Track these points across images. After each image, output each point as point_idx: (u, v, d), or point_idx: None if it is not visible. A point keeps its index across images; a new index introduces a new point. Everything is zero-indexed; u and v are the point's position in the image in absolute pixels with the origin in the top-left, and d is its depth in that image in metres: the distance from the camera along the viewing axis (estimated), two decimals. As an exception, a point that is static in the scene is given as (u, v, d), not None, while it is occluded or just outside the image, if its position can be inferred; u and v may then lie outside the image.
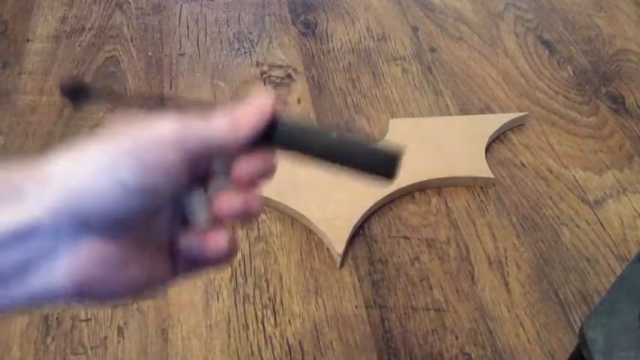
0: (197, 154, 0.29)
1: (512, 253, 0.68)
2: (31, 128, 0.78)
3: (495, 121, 0.80)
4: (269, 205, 0.70)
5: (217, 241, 0.32)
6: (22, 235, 0.26)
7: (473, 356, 0.60)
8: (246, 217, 0.33)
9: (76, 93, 0.40)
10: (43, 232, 0.26)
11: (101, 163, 0.27)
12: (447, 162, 0.75)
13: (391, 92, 0.86)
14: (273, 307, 0.63)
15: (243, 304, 0.63)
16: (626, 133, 0.82)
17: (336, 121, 0.81)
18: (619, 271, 0.67)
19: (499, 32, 0.96)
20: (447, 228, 0.70)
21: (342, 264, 0.66)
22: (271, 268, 0.66)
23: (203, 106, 0.32)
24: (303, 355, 0.59)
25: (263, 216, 0.69)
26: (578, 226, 0.71)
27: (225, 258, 0.32)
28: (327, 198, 0.70)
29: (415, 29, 0.96)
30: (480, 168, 0.74)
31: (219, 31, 0.94)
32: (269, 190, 0.70)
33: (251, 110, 0.31)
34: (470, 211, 0.72)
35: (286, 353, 0.59)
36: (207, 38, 0.92)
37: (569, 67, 0.91)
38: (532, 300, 0.64)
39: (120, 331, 0.60)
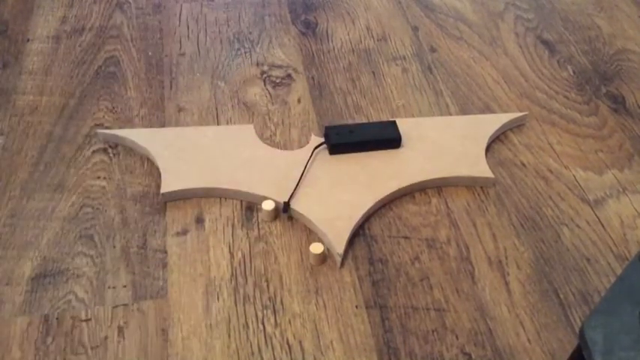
0: None
1: (512, 253, 0.68)
2: (31, 128, 0.78)
3: (495, 121, 0.80)
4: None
5: None
6: None
7: (473, 356, 0.60)
8: None
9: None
10: None
11: None
12: (447, 162, 0.75)
13: (391, 92, 0.86)
14: (274, 307, 0.63)
15: (244, 304, 0.63)
16: (626, 133, 0.82)
17: (337, 121, 0.81)
18: (619, 271, 0.67)
19: (499, 32, 0.96)
20: (447, 228, 0.70)
21: (342, 264, 0.66)
22: (271, 268, 0.66)
23: None
24: (303, 356, 0.59)
25: (263, 216, 0.69)
26: (578, 226, 0.71)
27: None
28: (327, 198, 0.70)
29: (415, 29, 0.96)
30: (480, 168, 0.74)
31: (219, 31, 0.94)
32: (269, 190, 0.70)
33: None
34: (470, 211, 0.72)
35: (286, 353, 0.59)
36: (207, 38, 0.92)
37: (569, 67, 0.91)
38: (532, 300, 0.64)
39: (120, 331, 0.60)
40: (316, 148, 0.74)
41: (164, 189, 0.70)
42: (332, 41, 0.93)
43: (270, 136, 0.79)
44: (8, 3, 0.97)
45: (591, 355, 0.43)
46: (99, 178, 0.73)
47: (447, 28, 0.96)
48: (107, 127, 0.79)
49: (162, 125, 0.80)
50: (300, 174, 0.72)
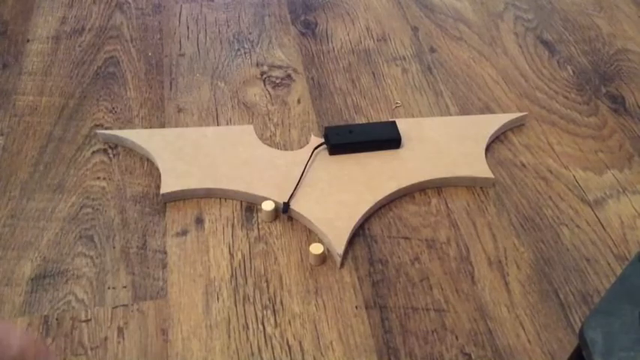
0: None
1: (512, 253, 0.68)
2: (31, 129, 0.78)
3: (495, 121, 0.80)
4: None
5: None
6: None
7: (473, 356, 0.60)
8: None
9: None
10: None
11: None
12: (447, 162, 0.75)
13: (391, 92, 0.86)
14: (273, 307, 0.63)
15: (243, 305, 0.63)
16: (626, 133, 0.82)
17: (337, 122, 0.81)
18: (619, 271, 0.67)
19: (499, 32, 0.96)
20: (447, 228, 0.70)
21: (342, 264, 0.66)
22: (271, 268, 0.66)
23: None
24: (303, 356, 0.59)
25: (263, 217, 0.69)
26: (578, 226, 0.71)
27: None
28: (327, 198, 0.70)
29: (415, 29, 0.96)
30: (480, 168, 0.74)
31: (219, 32, 0.94)
32: (269, 190, 0.70)
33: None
34: (470, 211, 0.72)
35: (286, 353, 0.59)
36: (207, 39, 0.92)
37: (569, 67, 0.91)
38: (532, 300, 0.64)
39: (120, 331, 0.60)
40: (316, 148, 0.74)
41: (164, 189, 0.70)
42: (332, 42, 0.93)
43: (270, 136, 0.79)
44: (8, 3, 0.97)
45: (591, 355, 0.43)
46: (99, 178, 0.73)
47: (447, 29, 0.96)
48: (107, 128, 0.79)
49: (162, 126, 0.80)
50: (300, 174, 0.72)
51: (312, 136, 0.77)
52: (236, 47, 0.91)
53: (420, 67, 0.90)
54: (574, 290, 0.65)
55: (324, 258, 0.66)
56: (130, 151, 0.76)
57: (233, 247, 0.68)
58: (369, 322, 0.62)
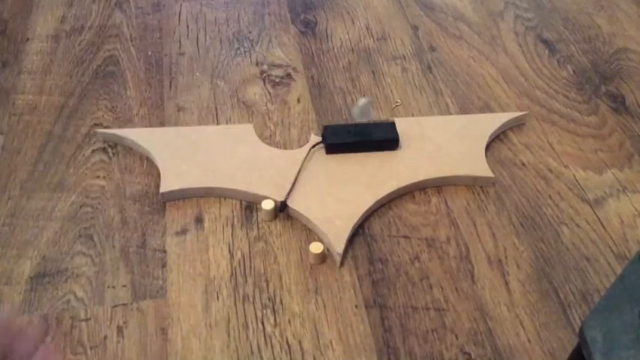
0: None
1: (512, 252, 0.68)
2: (31, 128, 0.78)
3: (495, 121, 0.80)
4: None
5: None
6: None
7: (473, 356, 0.60)
8: None
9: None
10: None
11: None
12: (447, 161, 0.75)
13: (391, 92, 0.86)
14: (273, 306, 0.63)
15: (243, 304, 0.63)
16: (626, 133, 0.82)
17: (337, 121, 0.81)
18: (619, 271, 0.67)
19: (499, 31, 0.96)
20: (447, 227, 0.70)
21: (342, 264, 0.66)
22: (271, 267, 0.66)
23: None
24: (303, 355, 0.59)
25: (262, 216, 0.69)
26: (578, 226, 0.71)
27: None
28: (327, 197, 0.70)
29: (415, 28, 0.96)
30: (479, 167, 0.74)
31: (218, 31, 0.93)
32: (269, 190, 0.70)
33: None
34: (470, 211, 0.72)
35: (286, 353, 0.59)
36: (207, 38, 0.92)
37: (569, 67, 0.91)
38: (532, 300, 0.64)
39: (119, 330, 0.60)
40: (313, 147, 0.74)
41: (163, 188, 0.70)
42: (331, 40, 0.93)
43: (270, 135, 0.79)
44: (7, 2, 0.97)
45: (591, 354, 0.43)
46: (98, 177, 0.73)
47: (447, 28, 0.96)
48: (106, 127, 0.79)
49: (162, 125, 0.80)
50: (296, 173, 0.72)
51: (312, 135, 0.77)
52: (236, 46, 0.91)
53: (419, 66, 0.90)
54: (574, 289, 0.65)
55: (323, 257, 0.66)
56: (130, 150, 0.76)
57: (233, 246, 0.67)
58: (369, 322, 0.62)
